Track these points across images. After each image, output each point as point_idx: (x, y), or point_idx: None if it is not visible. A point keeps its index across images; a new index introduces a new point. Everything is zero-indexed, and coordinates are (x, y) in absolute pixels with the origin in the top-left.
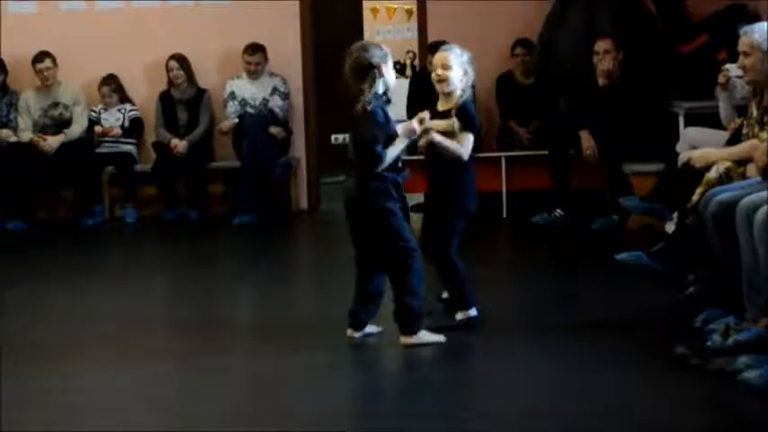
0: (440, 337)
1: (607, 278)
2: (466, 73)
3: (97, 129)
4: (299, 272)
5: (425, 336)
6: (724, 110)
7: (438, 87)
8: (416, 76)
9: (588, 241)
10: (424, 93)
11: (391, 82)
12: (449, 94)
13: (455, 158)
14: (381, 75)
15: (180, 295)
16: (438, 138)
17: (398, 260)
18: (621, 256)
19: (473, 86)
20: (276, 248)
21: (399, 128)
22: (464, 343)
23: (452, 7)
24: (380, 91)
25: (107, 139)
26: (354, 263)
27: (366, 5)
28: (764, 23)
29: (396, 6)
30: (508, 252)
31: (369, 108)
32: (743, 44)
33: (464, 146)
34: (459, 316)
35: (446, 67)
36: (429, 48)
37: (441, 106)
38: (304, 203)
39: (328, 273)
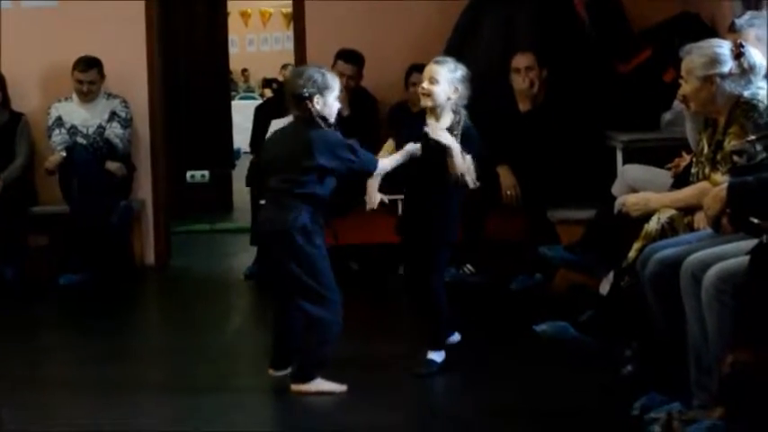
0: (339, 387)
1: (526, 353)
2: (456, 90)
3: None
4: (143, 345)
5: (321, 384)
6: (691, 131)
7: (422, 102)
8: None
9: (505, 305)
10: None
11: (330, 114)
12: (433, 111)
13: (443, 181)
14: (313, 106)
15: None
16: (455, 145)
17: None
18: (542, 327)
19: (466, 107)
20: (114, 315)
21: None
22: None
23: (338, 11)
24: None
25: None
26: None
27: (234, 7)
28: (707, 42)
29: (272, 10)
30: (405, 319)
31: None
32: (682, 68)
33: (470, 171)
34: (431, 355)
35: (433, 80)
36: (339, 55)
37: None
38: (150, 258)
39: (181, 347)
